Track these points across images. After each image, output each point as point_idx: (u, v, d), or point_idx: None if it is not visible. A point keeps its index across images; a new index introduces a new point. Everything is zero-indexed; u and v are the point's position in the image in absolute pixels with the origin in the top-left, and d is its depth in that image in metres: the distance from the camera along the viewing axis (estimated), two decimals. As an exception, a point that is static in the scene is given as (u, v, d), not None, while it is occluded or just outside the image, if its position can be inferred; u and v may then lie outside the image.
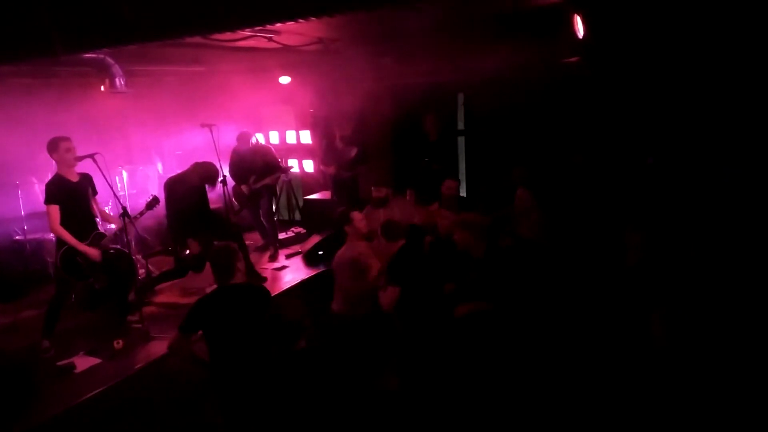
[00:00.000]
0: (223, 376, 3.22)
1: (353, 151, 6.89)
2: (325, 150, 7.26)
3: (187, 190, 5.18)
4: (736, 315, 3.08)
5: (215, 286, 3.32)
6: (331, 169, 6.98)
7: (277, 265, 6.31)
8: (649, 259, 3.35)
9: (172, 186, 5.26)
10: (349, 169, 6.91)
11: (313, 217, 7.44)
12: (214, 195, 5.45)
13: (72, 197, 4.23)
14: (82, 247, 4.19)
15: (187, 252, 5.29)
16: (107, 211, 4.99)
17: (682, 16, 4.25)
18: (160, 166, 7.69)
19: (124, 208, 4.39)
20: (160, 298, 5.35)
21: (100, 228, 4.49)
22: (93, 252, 4.25)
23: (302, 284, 5.58)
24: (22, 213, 5.84)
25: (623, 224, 3.63)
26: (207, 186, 5.31)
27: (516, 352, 3.53)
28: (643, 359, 3.13)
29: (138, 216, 4.56)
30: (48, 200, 4.13)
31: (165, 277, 5.50)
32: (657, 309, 3.16)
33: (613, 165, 5.34)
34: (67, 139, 4.21)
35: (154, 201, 4.68)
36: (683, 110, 4.78)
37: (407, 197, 6.36)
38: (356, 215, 4.60)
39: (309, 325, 2.87)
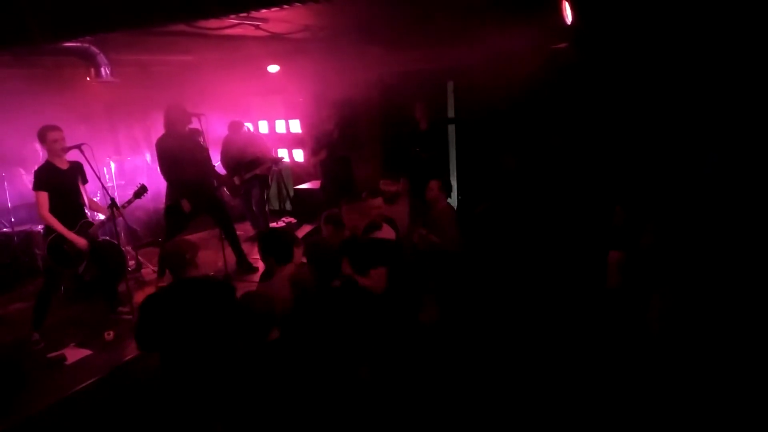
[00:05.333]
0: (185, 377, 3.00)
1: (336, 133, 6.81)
2: (318, 137, 7.10)
3: (175, 150, 5.13)
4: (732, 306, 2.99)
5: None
6: (323, 154, 6.79)
7: (268, 254, 6.29)
8: (658, 243, 3.30)
9: (158, 144, 5.24)
10: (342, 151, 6.81)
11: (304, 206, 7.42)
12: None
13: (61, 185, 4.21)
14: (70, 234, 4.17)
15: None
16: (96, 201, 4.95)
17: (671, 2, 4.23)
18: (148, 157, 7.62)
19: (113, 200, 4.37)
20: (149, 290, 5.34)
21: (88, 217, 4.46)
22: (81, 242, 4.23)
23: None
24: (9, 205, 5.77)
25: (610, 209, 3.58)
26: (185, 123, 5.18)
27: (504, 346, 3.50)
28: (636, 346, 3.07)
29: (126, 204, 4.53)
30: (37, 186, 4.11)
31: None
32: (656, 292, 3.12)
33: (600, 150, 5.32)
34: (56, 129, 4.18)
35: (142, 189, 4.65)
36: (673, 97, 4.77)
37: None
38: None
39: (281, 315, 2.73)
